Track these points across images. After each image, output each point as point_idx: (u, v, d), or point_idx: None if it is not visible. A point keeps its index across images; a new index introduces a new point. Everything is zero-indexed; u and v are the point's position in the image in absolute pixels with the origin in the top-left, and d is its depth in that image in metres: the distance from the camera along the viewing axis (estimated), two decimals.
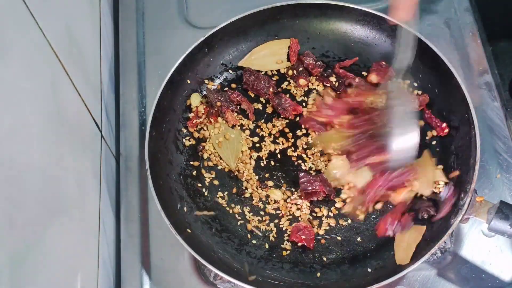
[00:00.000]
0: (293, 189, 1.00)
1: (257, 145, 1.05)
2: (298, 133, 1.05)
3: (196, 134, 1.05)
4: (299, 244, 0.95)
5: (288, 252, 0.96)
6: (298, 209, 0.99)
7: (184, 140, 1.05)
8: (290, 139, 1.05)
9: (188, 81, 1.07)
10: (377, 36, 1.08)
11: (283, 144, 1.04)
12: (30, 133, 0.69)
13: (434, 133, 1.01)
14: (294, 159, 1.03)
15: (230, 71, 1.11)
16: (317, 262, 0.95)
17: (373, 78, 1.05)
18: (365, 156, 0.96)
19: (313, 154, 1.03)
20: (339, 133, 1.00)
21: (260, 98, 1.09)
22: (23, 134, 0.66)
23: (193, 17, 1.20)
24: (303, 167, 1.02)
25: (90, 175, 0.92)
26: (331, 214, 0.98)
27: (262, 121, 1.07)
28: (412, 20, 0.89)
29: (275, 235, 0.97)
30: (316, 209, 0.99)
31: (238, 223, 0.99)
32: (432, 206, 0.93)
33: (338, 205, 0.99)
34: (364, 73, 1.08)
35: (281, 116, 1.06)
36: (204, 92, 1.08)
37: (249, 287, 0.86)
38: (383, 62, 1.06)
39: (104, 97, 1.07)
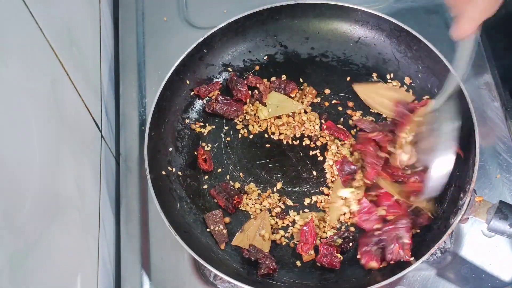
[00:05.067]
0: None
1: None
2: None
3: (197, 129, 1.06)
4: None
5: (288, 252, 0.96)
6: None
7: (183, 140, 1.05)
8: None
9: (187, 82, 1.07)
10: (376, 36, 1.08)
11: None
12: (30, 133, 0.69)
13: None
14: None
15: (229, 71, 1.11)
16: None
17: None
18: None
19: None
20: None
21: None
22: (23, 134, 0.66)
23: (193, 17, 1.20)
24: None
25: (90, 175, 0.92)
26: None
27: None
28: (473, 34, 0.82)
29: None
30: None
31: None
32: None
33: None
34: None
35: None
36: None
37: (248, 287, 0.86)
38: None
39: (104, 97, 1.07)
